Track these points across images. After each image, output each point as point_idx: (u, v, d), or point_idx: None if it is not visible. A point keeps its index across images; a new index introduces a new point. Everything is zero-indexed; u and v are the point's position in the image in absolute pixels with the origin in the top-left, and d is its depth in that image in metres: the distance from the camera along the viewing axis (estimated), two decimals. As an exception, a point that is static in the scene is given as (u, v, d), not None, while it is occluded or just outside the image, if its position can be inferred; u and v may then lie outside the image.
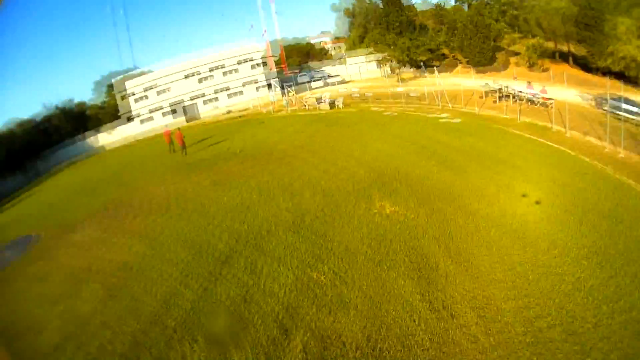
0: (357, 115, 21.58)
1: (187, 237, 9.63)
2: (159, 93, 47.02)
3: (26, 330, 7.46)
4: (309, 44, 67.68)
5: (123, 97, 49.49)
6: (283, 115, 27.97)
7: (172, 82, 46.28)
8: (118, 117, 48.89)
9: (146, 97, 47.36)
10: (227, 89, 44.92)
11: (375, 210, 8.99)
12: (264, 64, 45.62)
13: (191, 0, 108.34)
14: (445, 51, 41.17)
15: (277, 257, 7.82)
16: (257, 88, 43.96)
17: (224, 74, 45.58)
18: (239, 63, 44.98)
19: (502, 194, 9.79)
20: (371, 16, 48.77)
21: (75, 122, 53.18)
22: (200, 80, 46.16)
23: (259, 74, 44.78)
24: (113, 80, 49.66)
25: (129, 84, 48.34)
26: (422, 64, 36.18)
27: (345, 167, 11.75)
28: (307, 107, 28.05)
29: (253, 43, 46.32)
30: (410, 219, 8.61)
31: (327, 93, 30.25)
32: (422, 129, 16.55)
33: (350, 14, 59.16)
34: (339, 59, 51.93)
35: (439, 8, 49.87)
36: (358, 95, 30.57)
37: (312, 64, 50.71)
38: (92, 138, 49.14)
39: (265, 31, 49.02)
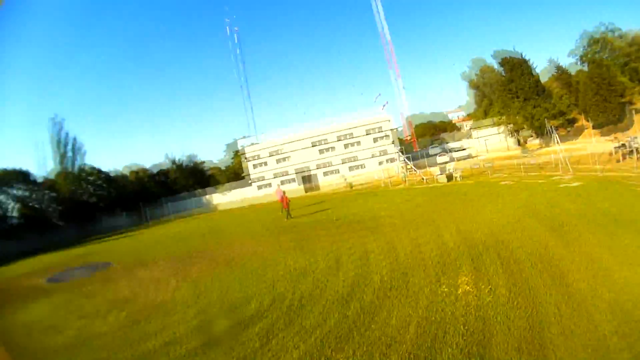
0: (472, 186, 20.86)
1: (222, 288, 9.86)
2: (278, 161, 49.81)
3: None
4: (442, 121, 69.43)
5: (245, 160, 54.19)
6: (399, 188, 27.86)
7: (293, 150, 48.78)
8: (238, 179, 53.05)
9: (265, 163, 50.40)
10: (350, 160, 46.20)
11: (445, 289, 7.48)
12: (387, 136, 46.11)
13: (320, 69, 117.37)
14: (572, 115, 39.29)
15: (289, 334, 6.53)
16: (380, 162, 44.70)
17: (347, 145, 47.03)
18: (367, 133, 46.04)
19: (625, 268, 6.88)
20: (495, 86, 48.38)
21: (194, 178, 59.06)
22: (321, 151, 48.15)
23: (385, 146, 45.44)
24: (240, 145, 53.92)
25: (250, 149, 52.15)
26: (549, 129, 34.77)
27: (437, 237, 10.36)
28: (424, 180, 28.05)
29: (380, 114, 47.63)
30: (484, 301, 6.39)
31: (450, 165, 30.21)
32: (537, 194, 14.85)
33: (475, 86, 59.38)
34: (468, 132, 51.84)
35: (560, 70, 48.03)
36: (478, 166, 30.46)
37: (443, 137, 50.92)
38: (208, 196, 53.38)
39: (386, 103, 51.16)
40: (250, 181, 51.18)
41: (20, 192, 47.19)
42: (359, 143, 46.80)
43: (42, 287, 15.01)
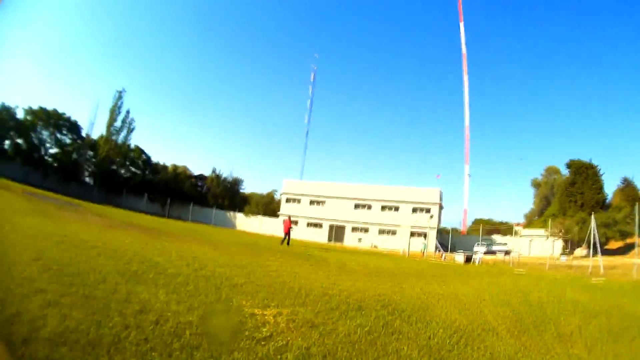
0: (481, 269, 19.15)
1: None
2: (312, 203, 50.66)
3: None
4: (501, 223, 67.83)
5: (280, 195, 55.76)
6: (410, 258, 26.36)
7: (330, 197, 49.50)
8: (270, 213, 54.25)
9: (299, 201, 51.59)
10: (382, 224, 45.24)
11: None
12: (428, 211, 44.70)
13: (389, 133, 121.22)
14: (627, 228, 36.08)
15: None
16: (413, 233, 43.80)
17: (384, 208, 46.62)
18: (414, 211, 44.57)
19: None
20: (557, 188, 46.97)
21: (229, 195, 60.75)
22: (357, 206, 48.08)
23: (422, 220, 43.20)
24: (284, 180, 55.52)
25: (288, 184, 53.95)
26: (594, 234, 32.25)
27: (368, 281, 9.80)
28: (443, 258, 26.48)
29: (430, 191, 46.86)
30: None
31: (479, 255, 27.84)
32: (540, 286, 11.75)
33: (537, 184, 58.66)
34: (517, 231, 49.82)
35: (627, 182, 45.87)
36: (504, 258, 28.82)
37: (495, 237, 49.34)
38: (232, 214, 54.99)
39: (438, 176, 51.44)
40: (278, 213, 52.12)
41: (64, 138, 51.64)
42: (397, 209, 46.28)
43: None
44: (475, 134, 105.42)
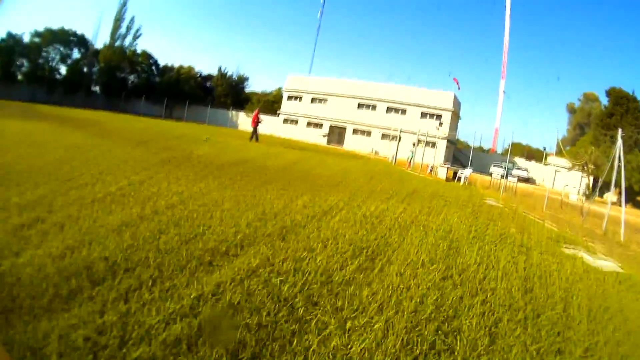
0: (454, 191, 14.23)
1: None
2: (313, 100, 48.59)
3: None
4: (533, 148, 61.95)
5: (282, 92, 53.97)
6: (391, 167, 24.34)
7: (332, 95, 47.11)
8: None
9: (300, 99, 49.53)
10: (386, 128, 41.39)
11: None
12: (439, 117, 42.08)
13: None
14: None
15: None
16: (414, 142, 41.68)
17: (390, 110, 44.13)
18: (423, 116, 42.19)
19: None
20: (592, 117, 43.42)
21: (233, 94, 60.11)
22: (360, 106, 45.64)
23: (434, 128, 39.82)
24: (288, 76, 52.75)
25: (291, 82, 51.23)
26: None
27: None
28: (431, 172, 24.13)
29: (443, 95, 43.12)
30: None
31: (466, 171, 24.12)
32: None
33: (573, 110, 54.49)
34: (544, 159, 46.53)
35: None
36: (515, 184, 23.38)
37: (519, 160, 46.25)
38: (236, 113, 54.42)
39: (458, 84, 47.03)
40: (278, 112, 50.87)
41: (72, 53, 53.39)
42: (404, 112, 43.39)
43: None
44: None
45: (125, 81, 57.97)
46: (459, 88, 47.59)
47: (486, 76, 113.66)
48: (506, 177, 22.76)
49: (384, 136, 41.59)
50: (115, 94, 54.81)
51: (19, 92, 44.87)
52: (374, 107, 44.90)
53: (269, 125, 47.53)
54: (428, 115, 42.37)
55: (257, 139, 21.13)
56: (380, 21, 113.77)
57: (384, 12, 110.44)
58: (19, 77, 49.97)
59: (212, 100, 57.54)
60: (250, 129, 23.53)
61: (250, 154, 14.03)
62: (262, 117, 25.12)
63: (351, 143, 43.72)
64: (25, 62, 50.02)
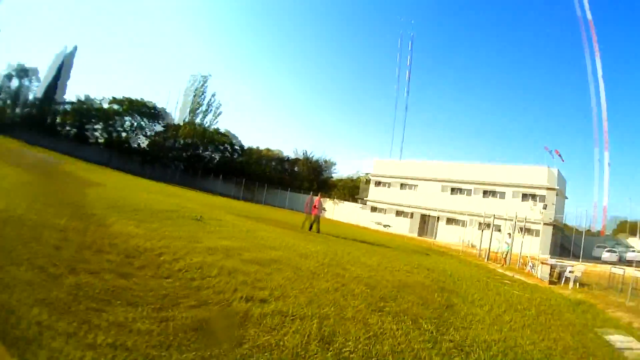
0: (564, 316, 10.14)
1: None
2: (403, 186, 46.25)
3: None
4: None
5: (367, 181, 52.65)
6: (480, 265, 19.25)
7: (421, 179, 44.15)
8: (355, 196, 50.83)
9: (388, 185, 47.65)
10: (482, 216, 37.01)
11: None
12: (542, 198, 35.83)
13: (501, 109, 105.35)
14: None
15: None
16: (510, 232, 35.73)
17: (487, 194, 39.54)
18: (523, 198, 36.87)
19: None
20: None
21: (315, 178, 60.72)
22: (454, 191, 41.82)
23: (532, 210, 34.06)
24: (373, 160, 51.79)
25: (377, 165, 50.06)
26: None
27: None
28: (532, 269, 18.27)
29: (545, 172, 37.24)
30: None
31: (574, 268, 17.87)
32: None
33: None
34: None
35: None
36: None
37: (631, 239, 38.33)
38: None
39: (560, 156, 40.62)
40: (364, 199, 49.30)
41: (154, 126, 60.78)
42: (502, 195, 38.38)
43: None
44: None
45: (202, 158, 61.82)
46: (562, 160, 40.87)
47: (580, 146, 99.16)
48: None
49: (480, 225, 36.90)
50: (193, 170, 58.45)
51: (93, 154, 50.92)
52: (468, 192, 40.45)
53: (352, 214, 46.16)
54: (530, 197, 36.56)
55: (318, 229, 17.47)
56: (467, 97, 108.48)
57: (470, 88, 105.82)
58: (92, 139, 55.82)
59: (294, 184, 57.83)
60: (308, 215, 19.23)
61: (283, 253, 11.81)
62: (323, 202, 21.06)
63: (444, 234, 39.22)
64: (101, 127, 56.05)
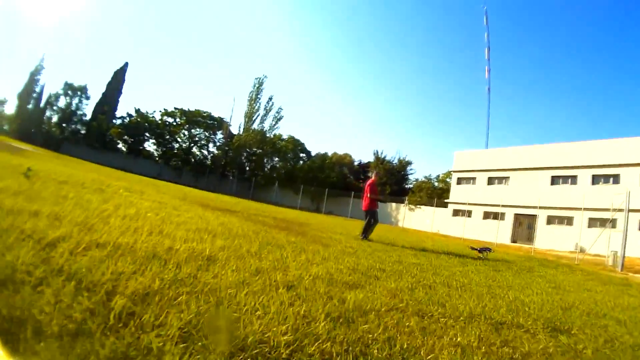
0: None
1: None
2: (491, 181, 41.90)
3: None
4: None
5: (451, 173, 48.36)
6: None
7: (514, 170, 39.12)
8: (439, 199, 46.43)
9: (473, 180, 43.77)
10: (595, 209, 29.63)
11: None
12: None
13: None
14: None
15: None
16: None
17: (596, 178, 33.02)
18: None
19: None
20: None
21: (393, 181, 57.38)
22: (555, 180, 36.09)
23: None
24: (455, 154, 47.60)
25: (460, 159, 45.97)
26: None
27: None
28: None
29: None
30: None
31: None
32: None
33: None
34: None
35: None
36: None
37: None
38: (396, 206, 50.22)
39: None
40: (446, 202, 45.00)
41: (216, 137, 64.80)
42: (616, 179, 31.45)
43: None
44: None
45: (262, 166, 63.31)
46: None
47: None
48: None
49: (592, 222, 30.82)
50: (255, 179, 59.57)
51: (146, 167, 54.32)
52: (573, 179, 34.29)
53: (436, 220, 42.03)
54: None
55: (365, 234, 11.93)
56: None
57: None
58: (147, 153, 59.71)
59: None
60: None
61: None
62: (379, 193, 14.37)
63: (545, 237, 32.94)
64: (154, 140, 59.92)
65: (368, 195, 12.31)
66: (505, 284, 7.06)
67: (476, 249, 12.42)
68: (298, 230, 10.93)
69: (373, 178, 12.80)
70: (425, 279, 5.97)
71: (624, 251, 18.70)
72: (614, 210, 21.76)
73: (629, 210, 20.17)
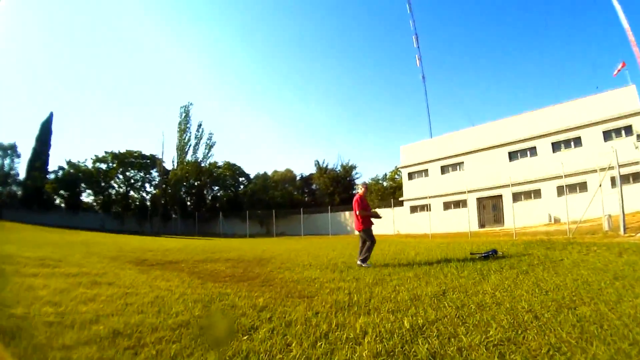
0: None
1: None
2: (444, 169, 40.75)
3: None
4: None
5: (400, 169, 47.10)
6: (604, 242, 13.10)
7: (467, 153, 38.48)
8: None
9: (425, 172, 42.35)
10: (559, 176, 28.60)
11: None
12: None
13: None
14: None
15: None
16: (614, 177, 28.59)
17: (556, 146, 32.74)
18: (607, 138, 29.94)
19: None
20: None
21: (340, 189, 56.12)
22: (513, 155, 35.44)
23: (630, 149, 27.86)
24: (401, 149, 46.36)
25: (406, 152, 44.92)
26: None
27: None
28: None
29: (628, 92, 30.38)
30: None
31: None
32: None
33: None
34: None
35: None
36: None
37: None
38: (347, 214, 48.13)
39: (622, 65, 32.48)
40: (401, 199, 43.53)
41: (151, 176, 60.99)
42: (577, 141, 31.44)
43: None
44: None
45: (203, 199, 61.65)
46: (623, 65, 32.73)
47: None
48: None
49: (560, 190, 30.19)
50: (199, 214, 56.41)
51: (87, 220, 51.29)
52: (532, 151, 34.01)
53: (395, 221, 40.15)
54: (614, 133, 29.89)
55: (364, 259, 10.45)
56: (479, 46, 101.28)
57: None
58: (86, 205, 57.16)
59: (315, 203, 54.69)
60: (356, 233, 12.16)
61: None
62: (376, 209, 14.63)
63: (514, 215, 31.45)
64: (90, 190, 57.10)
65: (357, 213, 10.89)
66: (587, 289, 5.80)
67: (479, 254, 10.97)
68: (261, 276, 8.78)
69: (360, 192, 11.48)
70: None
71: (623, 212, 17.39)
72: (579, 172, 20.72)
73: (602, 170, 19.21)
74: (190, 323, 4.44)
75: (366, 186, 12.37)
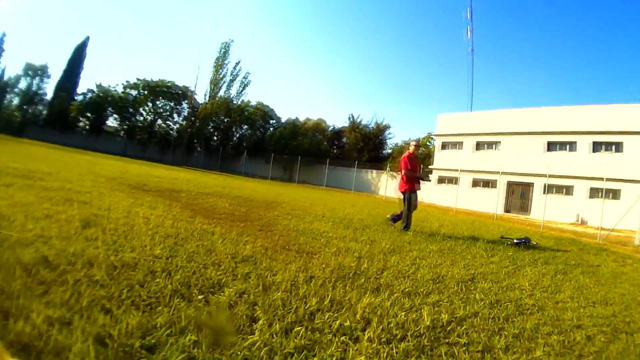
0: None
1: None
2: (479, 146, 41.02)
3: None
4: None
5: (433, 139, 47.32)
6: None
7: (505, 134, 38.26)
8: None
9: (459, 145, 42.58)
10: (596, 178, 29.54)
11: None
12: None
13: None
14: None
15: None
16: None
17: (598, 146, 32.31)
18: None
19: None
20: None
21: (370, 147, 56.46)
22: (551, 147, 35.24)
23: None
24: (438, 117, 46.10)
25: (443, 122, 44.84)
26: None
27: None
28: None
29: None
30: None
31: None
32: None
33: None
34: None
35: None
36: None
37: None
38: (375, 174, 49.62)
39: None
40: (429, 167, 44.15)
41: (181, 107, 63.11)
42: (619, 146, 31.03)
43: None
44: None
45: (230, 137, 63.04)
46: None
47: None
48: None
49: (594, 192, 30.44)
50: (223, 150, 58.92)
51: (109, 144, 54.56)
52: (572, 145, 33.87)
53: (421, 188, 40.93)
54: None
55: (406, 224, 9.99)
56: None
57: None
58: (110, 129, 59.81)
59: (342, 157, 54.89)
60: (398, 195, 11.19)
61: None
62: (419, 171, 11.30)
63: (542, 207, 31.60)
64: (117, 115, 59.31)
65: (403, 172, 10.26)
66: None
67: (511, 240, 10.56)
68: (262, 220, 8.10)
69: (411, 150, 10.76)
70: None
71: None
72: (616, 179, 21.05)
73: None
74: (139, 265, 3.55)
75: (418, 144, 11.77)
